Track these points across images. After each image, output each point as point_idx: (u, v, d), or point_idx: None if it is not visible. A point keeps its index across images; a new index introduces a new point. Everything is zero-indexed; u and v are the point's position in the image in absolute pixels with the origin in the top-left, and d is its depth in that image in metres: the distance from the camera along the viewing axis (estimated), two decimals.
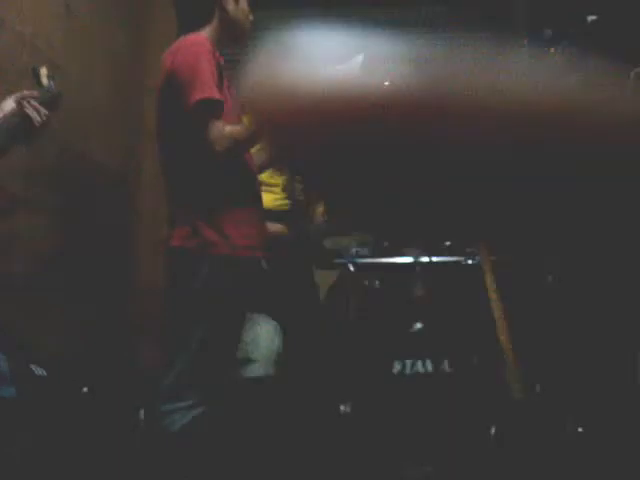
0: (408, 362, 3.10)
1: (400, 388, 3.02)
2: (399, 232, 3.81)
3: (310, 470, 2.73)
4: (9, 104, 1.91)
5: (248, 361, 2.61)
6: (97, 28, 3.57)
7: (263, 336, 2.73)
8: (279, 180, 2.98)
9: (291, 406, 2.82)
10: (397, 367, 3.18)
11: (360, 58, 0.45)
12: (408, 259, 3.61)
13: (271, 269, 2.67)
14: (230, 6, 2.37)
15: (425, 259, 3.55)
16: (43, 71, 2.09)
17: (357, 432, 2.86)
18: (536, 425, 2.51)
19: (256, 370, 2.64)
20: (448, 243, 3.51)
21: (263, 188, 2.93)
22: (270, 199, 2.94)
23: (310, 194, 3.10)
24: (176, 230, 2.21)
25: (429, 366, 3.06)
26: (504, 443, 2.64)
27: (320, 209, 3.24)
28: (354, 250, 3.63)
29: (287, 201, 2.99)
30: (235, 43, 2.45)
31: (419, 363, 3.07)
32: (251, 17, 2.44)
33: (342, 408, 2.93)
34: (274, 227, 2.86)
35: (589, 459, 2.31)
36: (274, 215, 2.90)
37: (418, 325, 3.36)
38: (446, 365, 3.03)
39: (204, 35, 2.31)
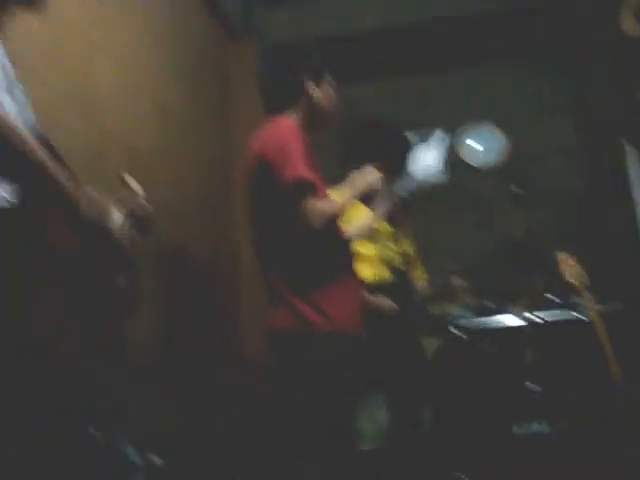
0: (524, 424, 3.01)
1: (518, 450, 2.93)
2: (503, 292, 3.75)
3: None
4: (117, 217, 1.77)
5: (358, 435, 2.58)
6: (189, 124, 3.74)
7: (372, 410, 2.70)
8: (377, 251, 2.98)
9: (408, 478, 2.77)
10: (515, 429, 3.09)
11: None
12: (515, 319, 3.53)
13: (376, 340, 2.65)
14: (314, 92, 2.42)
15: (531, 316, 3.47)
16: (129, 179, 2.12)
17: None
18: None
19: (367, 444, 2.61)
20: (550, 296, 3.43)
21: (359, 262, 2.95)
22: (368, 272, 2.94)
23: (410, 264, 3.08)
24: (275, 311, 2.23)
25: (545, 427, 2.96)
26: None
27: (422, 275, 3.22)
28: (460, 314, 3.58)
29: (387, 272, 2.98)
30: (320, 127, 2.49)
31: (535, 424, 2.98)
32: (336, 101, 2.49)
33: (460, 476, 2.86)
34: (377, 301, 2.85)
35: None
36: (375, 288, 2.89)
37: (532, 386, 3.27)
38: (562, 426, 2.93)
39: (291, 119, 2.36)
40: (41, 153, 1.39)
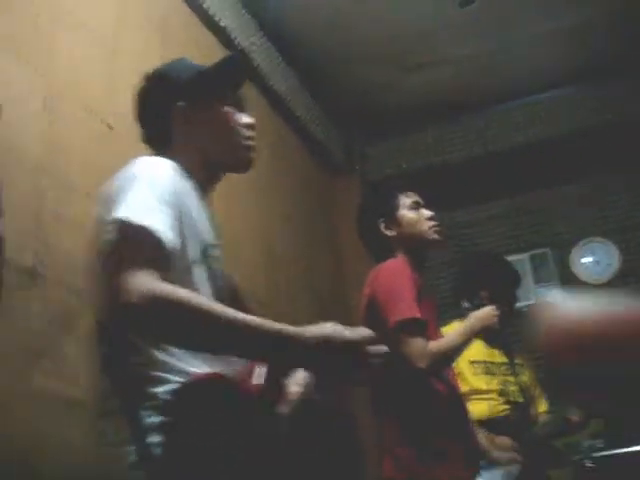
0: None
1: None
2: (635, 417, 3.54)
3: None
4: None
5: None
6: (299, 263, 3.83)
7: None
8: (494, 385, 2.91)
9: None
10: None
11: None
12: None
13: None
14: (395, 230, 2.46)
15: None
16: None
17: None
18: None
19: None
20: None
21: (476, 397, 2.88)
22: (487, 407, 2.87)
23: (529, 396, 2.98)
24: (384, 460, 2.19)
25: None
26: None
27: (543, 407, 3.10)
28: (588, 444, 3.39)
29: (506, 406, 2.90)
30: (427, 249, 2.51)
31: None
32: (427, 214, 2.48)
33: None
34: (500, 441, 2.76)
35: None
36: (495, 423, 2.81)
37: None
38: None
39: (400, 259, 2.38)
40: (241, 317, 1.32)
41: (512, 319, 3.20)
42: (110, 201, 1.41)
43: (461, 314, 3.10)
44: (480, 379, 2.91)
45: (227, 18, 3.53)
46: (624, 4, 4.06)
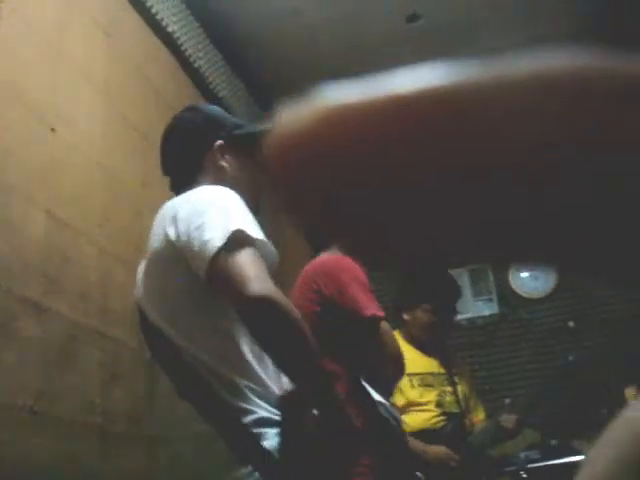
0: None
1: None
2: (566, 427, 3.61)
3: None
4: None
5: None
6: None
7: None
8: (431, 397, 2.95)
9: None
10: None
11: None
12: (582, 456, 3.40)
13: None
14: None
15: None
16: None
17: None
18: None
19: None
20: None
21: (413, 409, 2.91)
22: (423, 419, 2.90)
23: (465, 406, 3.03)
24: None
25: None
26: None
27: (480, 416, 3.15)
28: (523, 455, 3.45)
29: (442, 417, 2.93)
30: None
31: None
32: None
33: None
34: (434, 451, 2.79)
35: None
36: (429, 435, 2.84)
37: None
38: None
39: (338, 253, 2.29)
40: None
41: (451, 331, 3.25)
42: (192, 219, 1.53)
43: (401, 325, 3.14)
44: (417, 391, 2.95)
45: (175, 24, 3.51)
46: (576, 24, 4.15)
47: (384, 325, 2.17)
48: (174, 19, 3.51)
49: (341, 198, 0.26)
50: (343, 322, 2.15)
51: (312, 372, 1.46)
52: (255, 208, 1.75)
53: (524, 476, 3.33)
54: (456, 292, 3.16)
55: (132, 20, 3.26)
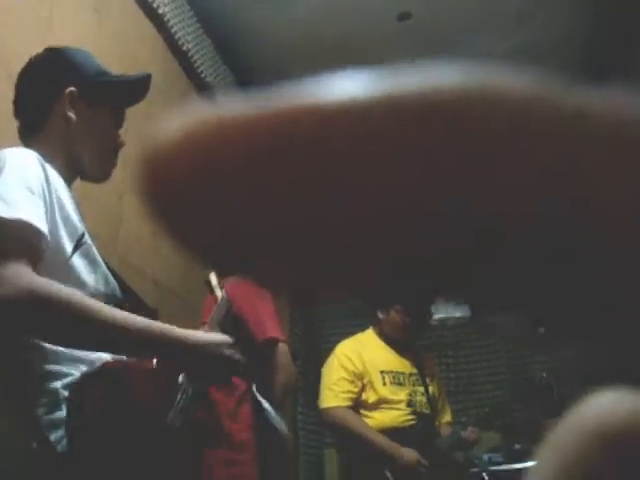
0: None
1: None
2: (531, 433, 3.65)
3: None
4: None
5: None
6: None
7: None
8: (402, 395, 2.96)
9: None
10: None
11: None
12: None
13: None
14: None
15: None
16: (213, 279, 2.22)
17: None
18: None
19: None
20: None
21: (384, 406, 2.92)
22: (394, 416, 2.92)
23: (436, 407, 3.06)
24: None
25: None
26: None
27: (447, 417, 3.17)
28: (486, 457, 3.48)
29: (413, 416, 2.95)
30: None
31: None
32: None
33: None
34: (407, 455, 2.81)
35: None
36: (400, 433, 2.86)
37: None
38: None
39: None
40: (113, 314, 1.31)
41: (424, 332, 3.27)
42: None
43: (375, 322, 3.15)
44: (388, 389, 2.96)
45: (166, 6, 3.48)
46: (567, 30, 4.17)
47: (282, 347, 2.40)
48: (166, 1, 3.49)
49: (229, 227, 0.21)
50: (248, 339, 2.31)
51: (124, 338, 1.30)
52: (104, 165, 1.65)
53: (486, 479, 3.35)
54: (431, 294, 3.18)
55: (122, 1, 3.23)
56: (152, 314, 1.62)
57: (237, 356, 1.44)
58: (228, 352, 1.42)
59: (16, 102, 1.62)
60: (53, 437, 1.28)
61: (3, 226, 1.29)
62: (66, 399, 1.31)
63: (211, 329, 1.86)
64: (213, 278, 2.25)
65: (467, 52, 4.38)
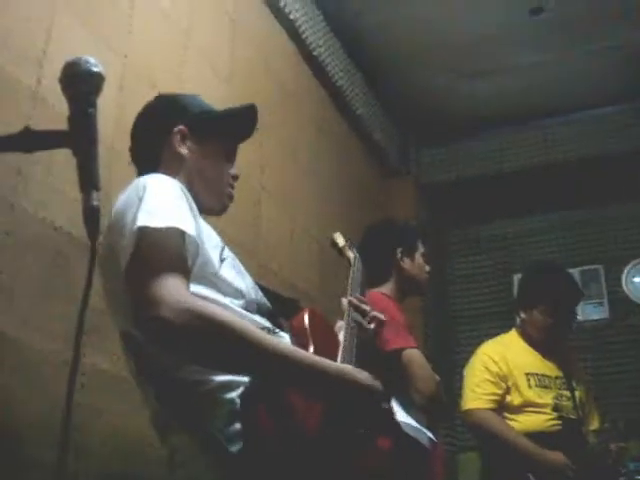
0: None
1: None
2: None
3: None
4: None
5: None
6: None
7: None
8: (548, 399, 2.86)
9: None
10: None
11: None
12: None
13: None
14: (406, 265, 2.61)
15: None
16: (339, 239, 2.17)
17: None
18: None
19: None
20: None
21: (530, 409, 2.83)
22: (539, 420, 2.82)
23: (583, 413, 2.94)
24: None
25: None
26: None
27: (595, 424, 3.04)
28: (632, 465, 3.33)
29: (558, 421, 2.84)
30: (414, 294, 2.73)
31: None
32: (428, 269, 2.66)
33: None
34: (553, 457, 2.72)
35: None
36: (545, 438, 2.76)
37: None
38: None
39: (386, 291, 2.57)
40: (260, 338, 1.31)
41: (569, 333, 3.15)
42: (120, 216, 1.38)
43: (519, 324, 3.07)
44: (534, 392, 2.86)
45: (297, 12, 3.53)
46: None
47: (414, 355, 2.35)
48: (298, 8, 3.54)
49: None
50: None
51: (274, 364, 1.29)
52: (220, 209, 1.68)
53: None
54: (575, 294, 3.07)
55: (257, 10, 3.30)
56: (295, 305, 1.68)
57: (377, 384, 1.43)
58: (367, 379, 1.41)
59: (130, 148, 1.69)
60: (234, 449, 1.28)
61: (156, 236, 1.30)
62: (240, 412, 1.31)
63: (353, 291, 1.91)
64: (339, 238, 2.20)
65: (603, 44, 4.22)
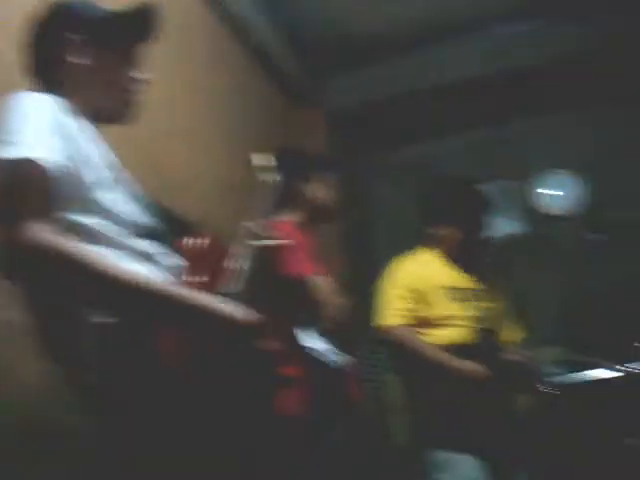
0: None
1: None
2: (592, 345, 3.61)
3: None
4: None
5: None
6: None
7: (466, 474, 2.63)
8: (465, 311, 2.89)
9: None
10: None
11: None
12: (609, 372, 3.41)
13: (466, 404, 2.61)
14: (311, 192, 2.71)
15: (626, 368, 3.36)
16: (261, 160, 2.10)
17: None
18: None
19: None
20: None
21: (447, 322, 2.87)
22: (456, 333, 2.86)
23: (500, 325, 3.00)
24: None
25: None
26: None
27: (512, 335, 3.12)
28: (550, 369, 3.46)
29: (477, 333, 2.88)
30: (323, 222, 2.80)
31: None
32: (335, 195, 2.77)
33: None
34: (470, 367, 2.76)
35: None
36: (462, 350, 2.81)
37: (632, 441, 3.16)
38: None
39: (292, 219, 2.64)
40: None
41: (482, 247, 3.20)
42: None
43: (431, 240, 3.09)
44: (451, 305, 2.90)
45: None
46: None
47: (318, 282, 2.43)
48: None
49: None
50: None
51: (135, 299, 1.29)
52: (121, 106, 1.64)
53: (550, 390, 3.34)
54: (486, 206, 3.10)
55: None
56: (197, 229, 1.66)
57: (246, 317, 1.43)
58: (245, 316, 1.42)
59: (29, 48, 1.62)
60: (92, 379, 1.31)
61: (15, 173, 1.27)
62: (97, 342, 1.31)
63: (259, 217, 1.92)
64: (260, 159, 2.19)
65: None
